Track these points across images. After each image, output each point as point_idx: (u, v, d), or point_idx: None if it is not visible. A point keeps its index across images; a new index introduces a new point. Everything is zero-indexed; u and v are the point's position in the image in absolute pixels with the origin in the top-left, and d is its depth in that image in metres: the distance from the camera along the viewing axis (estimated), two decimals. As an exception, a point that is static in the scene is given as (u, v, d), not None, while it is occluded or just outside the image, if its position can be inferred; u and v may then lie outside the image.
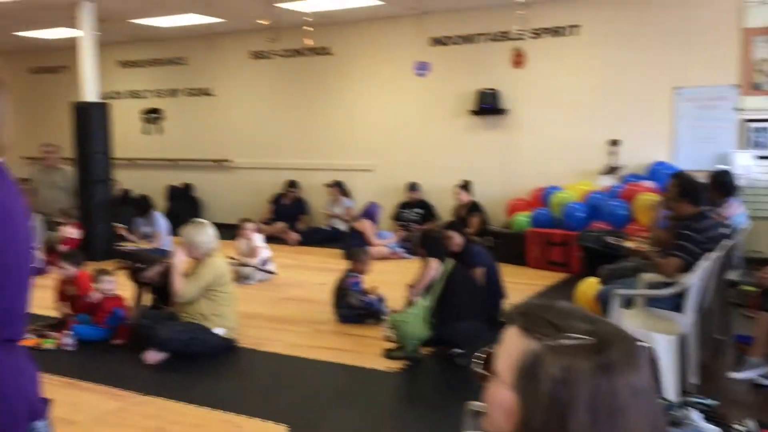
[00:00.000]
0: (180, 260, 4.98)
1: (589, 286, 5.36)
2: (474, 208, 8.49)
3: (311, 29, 8.94)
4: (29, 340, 5.13)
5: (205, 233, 5.04)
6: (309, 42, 9.08)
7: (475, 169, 9.17)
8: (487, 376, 1.07)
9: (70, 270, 5.40)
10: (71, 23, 8.98)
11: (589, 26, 8.49)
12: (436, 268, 5.03)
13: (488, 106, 9.02)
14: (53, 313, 5.87)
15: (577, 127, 8.60)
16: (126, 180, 10.99)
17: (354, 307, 5.62)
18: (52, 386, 4.27)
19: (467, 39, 9.28)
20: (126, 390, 4.20)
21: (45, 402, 1.73)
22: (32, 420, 1.64)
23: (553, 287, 6.92)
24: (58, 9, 8.56)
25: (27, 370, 1.69)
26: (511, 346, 1.03)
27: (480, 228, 8.20)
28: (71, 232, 8.25)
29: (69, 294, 5.40)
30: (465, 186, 8.76)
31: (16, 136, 1.67)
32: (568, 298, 5.23)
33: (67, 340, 4.99)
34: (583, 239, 7.10)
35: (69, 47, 11.76)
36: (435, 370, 4.65)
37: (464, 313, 4.66)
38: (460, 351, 4.57)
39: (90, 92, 8.56)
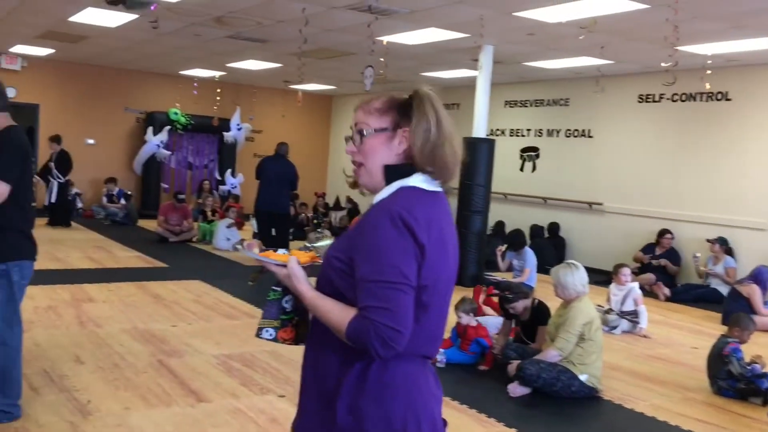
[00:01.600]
0: None
1: None
2: None
3: (709, 72, 8.33)
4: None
5: (578, 276, 4.98)
6: (707, 86, 8.47)
7: None
8: None
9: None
10: (470, 65, 9.76)
11: None
12: None
13: None
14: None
15: None
16: (498, 213, 11.51)
17: (735, 379, 5.01)
18: (426, 398, 4.61)
19: None
20: (490, 417, 4.34)
21: (444, 424, 1.82)
22: None
23: None
24: (464, 52, 9.38)
25: (436, 391, 1.80)
26: None
27: None
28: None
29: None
30: None
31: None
32: None
33: (440, 357, 5.35)
34: None
35: (460, 86, 12.85)
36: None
37: None
38: None
39: (479, 129, 9.17)
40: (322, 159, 17.43)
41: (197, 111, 14.79)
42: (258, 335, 1.88)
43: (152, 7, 7.44)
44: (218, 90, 14.38)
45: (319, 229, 10.80)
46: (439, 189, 1.77)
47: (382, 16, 7.51)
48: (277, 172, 9.38)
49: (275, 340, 1.87)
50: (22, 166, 3.45)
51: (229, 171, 14.54)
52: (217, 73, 13.98)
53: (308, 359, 1.81)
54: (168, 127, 14.55)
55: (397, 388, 1.67)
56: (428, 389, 1.75)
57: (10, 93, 3.72)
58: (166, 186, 15.17)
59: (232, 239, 10.91)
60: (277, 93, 16.16)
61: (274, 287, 1.87)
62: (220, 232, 11.05)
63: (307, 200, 14.44)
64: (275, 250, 1.86)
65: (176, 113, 14.60)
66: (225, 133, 14.63)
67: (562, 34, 7.82)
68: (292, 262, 1.75)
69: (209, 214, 12.05)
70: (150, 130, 14.41)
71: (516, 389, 4.80)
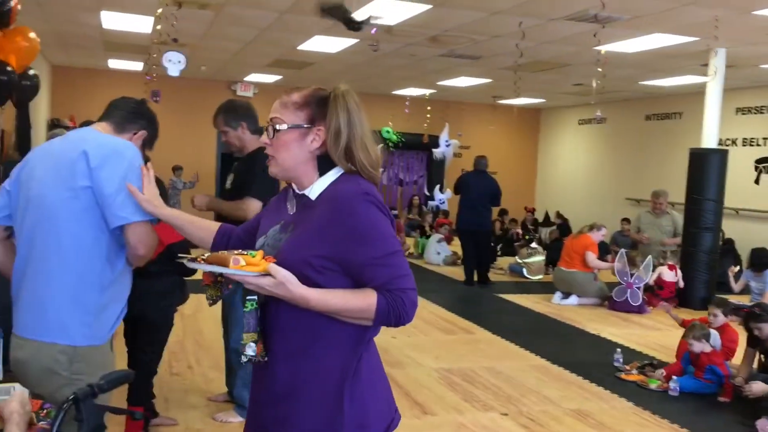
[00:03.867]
0: None
1: None
2: None
3: None
4: (635, 375, 5.32)
5: None
6: None
7: None
8: None
9: (719, 319, 5.39)
10: (696, 70, 9.05)
11: None
12: None
13: None
14: (655, 353, 5.98)
15: None
16: (727, 230, 10.52)
17: None
18: (661, 429, 4.30)
19: None
20: (736, 455, 3.95)
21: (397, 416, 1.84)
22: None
23: None
24: (691, 57, 8.74)
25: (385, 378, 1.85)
26: None
27: None
28: (667, 274, 8.30)
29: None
30: None
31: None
32: None
33: (673, 385, 4.97)
34: None
35: (683, 94, 11.98)
36: None
37: None
38: None
39: (709, 139, 8.47)
40: (531, 173, 17.14)
41: (408, 129, 15.25)
42: (243, 353, 1.66)
43: (372, 31, 7.80)
44: (428, 107, 14.72)
45: (532, 245, 10.52)
46: None
47: (604, 24, 7.22)
48: (478, 189, 9.18)
49: (257, 356, 1.66)
50: (272, 186, 3.75)
51: (437, 187, 14.80)
52: (427, 91, 14.33)
53: (281, 372, 1.66)
54: (381, 145, 15.16)
55: (380, 370, 1.80)
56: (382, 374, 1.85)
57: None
58: (378, 202, 15.82)
59: (443, 253, 11.09)
60: (485, 108, 16.19)
61: (249, 297, 1.64)
62: (431, 247, 11.29)
63: (516, 215, 14.27)
64: (235, 253, 1.59)
65: (388, 131, 15.16)
66: (434, 150, 14.94)
67: (812, 30, 6.99)
68: (276, 270, 1.54)
69: (428, 229, 12.37)
70: (364, 148, 15.12)
71: (766, 426, 4.32)
